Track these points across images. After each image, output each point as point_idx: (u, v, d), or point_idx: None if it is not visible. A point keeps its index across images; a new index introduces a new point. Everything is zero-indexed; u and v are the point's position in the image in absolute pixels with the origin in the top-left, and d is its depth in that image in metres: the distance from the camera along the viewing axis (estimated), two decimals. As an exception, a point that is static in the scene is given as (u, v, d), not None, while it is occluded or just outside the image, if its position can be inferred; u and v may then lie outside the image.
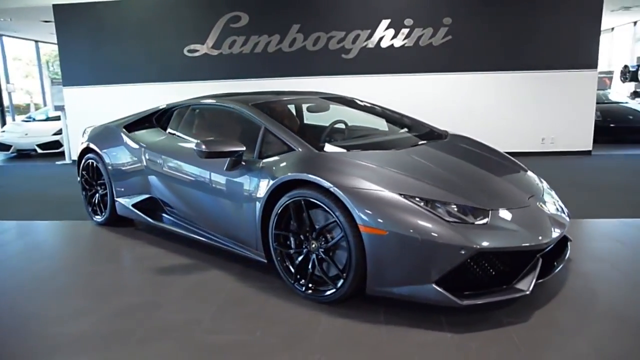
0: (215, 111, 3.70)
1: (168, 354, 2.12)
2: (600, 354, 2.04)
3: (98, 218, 4.17)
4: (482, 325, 2.28)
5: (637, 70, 11.18)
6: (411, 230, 2.21)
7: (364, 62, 7.56)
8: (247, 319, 2.42)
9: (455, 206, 2.34)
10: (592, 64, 7.29)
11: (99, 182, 4.15)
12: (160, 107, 3.99)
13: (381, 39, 7.47)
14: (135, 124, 4.02)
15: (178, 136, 3.63)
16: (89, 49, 7.96)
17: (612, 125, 8.63)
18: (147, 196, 3.69)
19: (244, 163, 2.88)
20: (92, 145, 4.08)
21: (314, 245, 2.55)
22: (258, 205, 2.72)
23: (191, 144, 3.45)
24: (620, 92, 11.07)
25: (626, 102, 9.60)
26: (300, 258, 2.60)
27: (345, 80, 7.50)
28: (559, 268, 2.55)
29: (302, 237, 2.60)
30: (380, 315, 2.40)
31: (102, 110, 7.80)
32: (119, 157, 3.87)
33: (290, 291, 2.68)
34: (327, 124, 3.49)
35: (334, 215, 2.38)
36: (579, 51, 7.27)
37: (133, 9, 7.80)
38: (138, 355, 2.11)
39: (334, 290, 2.46)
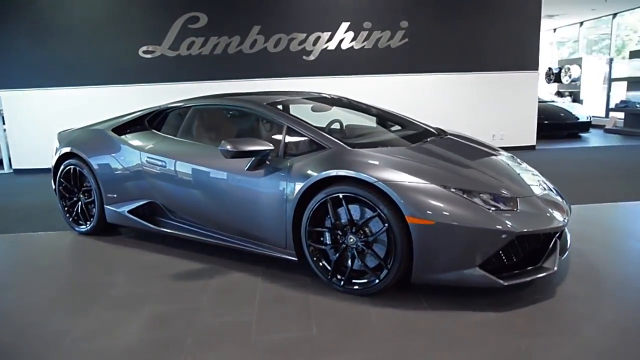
0: (223, 111, 3.62)
1: (233, 356, 2.07)
2: (628, 321, 2.29)
3: (82, 227, 3.90)
4: (518, 303, 2.46)
5: (560, 72, 12.32)
6: (458, 219, 2.34)
7: (325, 63, 7.68)
8: (295, 317, 2.41)
9: (489, 195, 2.50)
10: (534, 66, 7.96)
11: (82, 189, 3.89)
12: (153, 109, 3.82)
13: (341, 41, 7.64)
14: (125, 126, 3.81)
15: (183, 138, 3.49)
16: (28, 48, 7.35)
17: (546, 122, 9.44)
18: (146, 201, 3.52)
19: (267, 162, 2.86)
20: (75, 151, 3.81)
21: (351, 240, 2.60)
22: (289, 203, 2.71)
23: (200, 145, 3.37)
24: (547, 92, 12.15)
25: (555, 101, 10.57)
26: (337, 253, 2.64)
27: (307, 82, 7.56)
28: (569, 247, 2.81)
29: (338, 232, 2.64)
30: (422, 302, 2.50)
31: (47, 115, 7.28)
32: (111, 162, 3.65)
33: (325, 286, 2.71)
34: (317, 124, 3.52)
35: (377, 209, 2.45)
36: (523, 54, 7.91)
37: (81, 5, 7.32)
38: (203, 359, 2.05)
39: (377, 281, 2.52)
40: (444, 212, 2.36)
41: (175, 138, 3.51)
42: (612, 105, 11.01)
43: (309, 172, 2.66)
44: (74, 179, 3.92)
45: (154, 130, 3.73)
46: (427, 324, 2.30)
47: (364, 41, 7.67)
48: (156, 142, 3.52)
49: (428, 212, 2.36)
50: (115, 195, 3.66)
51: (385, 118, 3.86)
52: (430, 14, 7.69)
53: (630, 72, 10.40)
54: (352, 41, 7.66)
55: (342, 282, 2.63)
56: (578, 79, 11.92)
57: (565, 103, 10.67)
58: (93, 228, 3.85)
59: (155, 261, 3.27)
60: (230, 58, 7.52)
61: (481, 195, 2.49)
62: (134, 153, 3.53)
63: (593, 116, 10.35)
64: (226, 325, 2.34)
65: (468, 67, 7.90)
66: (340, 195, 2.56)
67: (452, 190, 2.45)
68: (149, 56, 7.40)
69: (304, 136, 2.89)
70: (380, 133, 3.60)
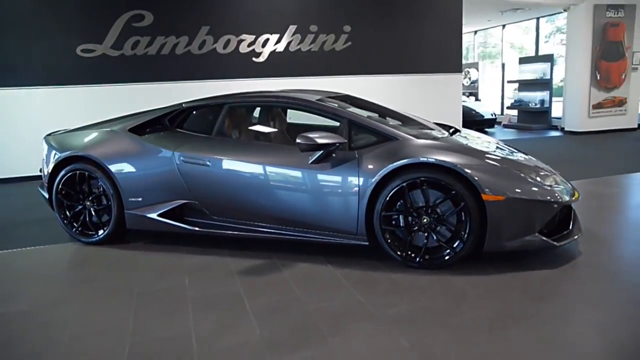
0: (264, 108, 3.62)
1: (366, 331, 2.23)
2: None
3: (92, 237, 3.62)
4: (551, 265, 2.94)
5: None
6: (522, 194, 2.76)
7: (274, 65, 7.79)
8: (398, 294, 2.62)
9: (535, 172, 2.97)
10: (458, 68, 8.94)
11: (91, 196, 3.61)
12: (173, 108, 3.69)
13: (289, 43, 7.83)
14: (142, 126, 3.63)
15: (221, 136, 3.45)
16: None
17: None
18: (180, 203, 3.41)
19: (333, 155, 3.01)
20: (86, 154, 3.53)
21: (425, 220, 2.89)
22: (362, 191, 2.91)
23: (250, 143, 3.37)
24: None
25: (465, 101, 11.88)
26: (411, 234, 2.91)
27: (257, 83, 7.62)
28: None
29: (413, 214, 2.90)
30: (489, 268, 2.88)
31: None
32: (135, 164, 3.46)
33: (398, 265, 2.95)
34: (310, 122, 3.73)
35: (454, 190, 2.77)
36: (448, 58, 8.83)
37: (4, -1, 6.52)
38: (353, 339, 2.18)
39: (452, 254, 2.85)
40: (511, 188, 2.76)
41: (215, 137, 3.45)
42: (507, 104, 12.68)
43: (384, 161, 2.88)
44: (80, 185, 3.62)
45: (179, 130, 3.62)
46: (519, 282, 2.68)
47: (310, 44, 7.95)
48: (191, 142, 3.43)
49: (498, 189, 2.74)
50: (140, 199, 3.47)
51: (389, 115, 4.19)
52: (370, 19, 8.23)
53: (520, 75, 12.10)
54: (299, 44, 7.89)
55: (418, 259, 2.90)
56: (476, 81, 13.51)
57: (471, 102, 12.05)
58: (107, 236, 3.60)
59: (202, 263, 3.21)
60: (178, 59, 7.26)
61: (531, 172, 2.94)
62: (165, 153, 3.40)
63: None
64: (338, 308, 2.48)
65: (403, 69, 8.60)
66: (419, 181, 2.83)
67: (513, 169, 2.87)
68: (88, 55, 6.84)
69: (369, 129, 3.10)
70: (415, 125, 3.78)
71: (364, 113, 3.47)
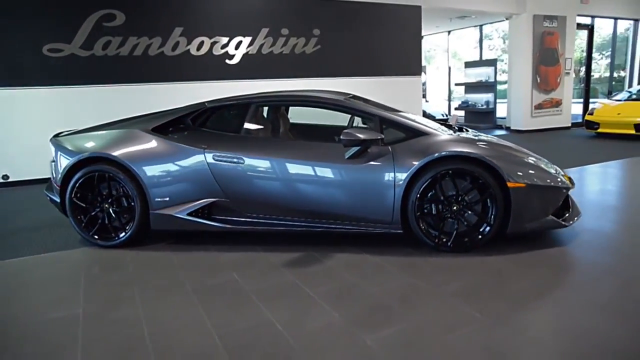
0: (294, 107, 3.74)
1: (433, 308, 2.47)
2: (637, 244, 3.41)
3: (112, 240, 3.56)
4: (559, 243, 3.38)
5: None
6: (540, 181, 3.13)
7: (247, 67, 7.85)
8: (444, 274, 2.88)
9: (546, 161, 3.37)
10: (418, 72, 9.46)
11: (110, 198, 3.55)
12: (195, 107, 3.72)
13: (262, 45, 7.92)
14: (165, 126, 3.63)
15: (250, 134, 3.53)
16: None
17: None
18: (210, 201, 3.45)
19: (369, 150, 3.22)
20: (109, 155, 3.46)
21: (455, 207, 3.18)
22: (398, 183, 3.14)
23: (282, 140, 3.49)
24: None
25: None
26: (442, 220, 3.19)
27: (230, 85, 7.64)
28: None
29: (444, 202, 3.19)
30: (513, 247, 3.24)
31: None
32: (163, 164, 3.45)
33: (430, 250, 3.22)
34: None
35: (482, 178, 3.09)
36: (409, 62, 9.33)
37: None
38: (429, 313, 2.40)
39: (480, 237, 3.16)
40: (530, 176, 3.13)
41: (245, 135, 3.53)
42: (455, 105, 13.53)
43: (418, 155, 3.13)
44: (98, 187, 3.55)
45: (203, 129, 3.66)
46: (551, 259, 3.04)
47: (282, 46, 8.09)
48: (221, 140, 3.48)
49: (520, 177, 3.10)
50: (167, 199, 3.48)
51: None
52: (337, 24, 8.52)
53: (466, 78, 12.96)
54: (271, 46, 8.00)
55: (449, 243, 3.19)
56: (424, 83, 14.26)
57: (422, 103, 12.71)
58: (128, 238, 3.56)
59: (241, 258, 3.29)
60: (151, 60, 7.11)
61: (542, 161, 3.33)
62: (196, 152, 3.43)
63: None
64: (397, 289, 2.70)
65: (368, 72, 8.97)
66: (450, 171, 3.12)
67: (528, 159, 3.24)
68: (56, 55, 6.52)
69: (400, 125, 3.35)
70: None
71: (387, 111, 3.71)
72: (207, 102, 3.76)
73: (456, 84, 13.56)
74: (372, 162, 3.21)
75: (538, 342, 2.10)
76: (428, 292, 2.64)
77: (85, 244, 3.70)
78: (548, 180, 3.18)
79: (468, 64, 13.05)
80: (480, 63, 12.72)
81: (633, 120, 8.60)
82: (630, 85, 12.39)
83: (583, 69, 12.12)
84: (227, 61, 7.70)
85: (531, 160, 3.29)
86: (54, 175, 3.72)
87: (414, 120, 3.45)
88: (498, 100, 12.10)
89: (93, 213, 3.60)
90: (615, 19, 12.04)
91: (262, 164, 3.37)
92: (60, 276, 3.13)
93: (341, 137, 3.10)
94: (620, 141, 8.70)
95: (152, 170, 3.46)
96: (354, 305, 2.52)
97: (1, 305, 2.70)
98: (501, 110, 12.08)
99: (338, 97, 3.60)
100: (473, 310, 2.41)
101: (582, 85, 11.98)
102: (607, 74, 13.20)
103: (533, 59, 10.49)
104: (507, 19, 10.87)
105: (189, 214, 3.46)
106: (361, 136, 3.07)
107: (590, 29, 11.59)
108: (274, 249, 3.43)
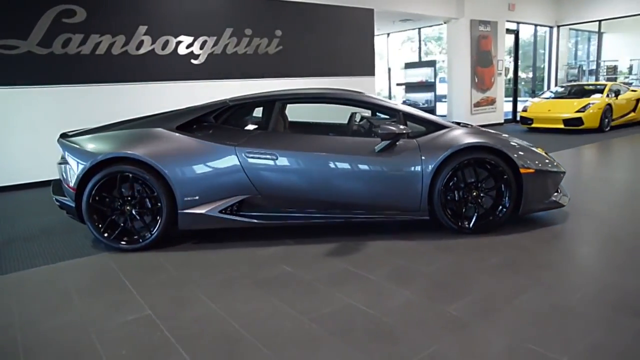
0: (318, 104, 3.85)
1: (503, 280, 2.77)
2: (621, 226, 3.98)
3: (137, 243, 3.47)
4: (554, 222, 3.86)
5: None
6: (545, 167, 3.57)
7: (212, 67, 7.76)
8: (481, 252, 3.19)
9: (543, 150, 3.82)
10: (371, 72, 9.89)
11: (133, 199, 3.46)
12: (217, 105, 3.71)
13: (226, 45, 7.87)
14: (189, 124, 3.60)
15: (276, 130, 3.61)
16: None
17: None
18: (241, 198, 3.49)
19: (397, 144, 3.46)
20: (134, 154, 3.37)
21: (474, 193, 3.52)
22: (425, 172, 3.41)
23: (312, 136, 3.61)
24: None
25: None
26: (463, 206, 3.52)
27: (196, 85, 7.53)
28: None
29: (464, 188, 3.51)
30: (521, 227, 3.64)
31: None
32: (192, 162, 3.43)
33: (452, 234, 3.53)
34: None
35: (499, 166, 3.45)
36: (363, 63, 9.72)
37: None
38: (493, 284, 2.68)
39: (497, 218, 3.53)
40: (538, 163, 3.55)
41: (273, 131, 3.60)
42: (397, 104, 14.20)
43: (443, 146, 3.43)
44: (119, 189, 3.44)
45: (227, 126, 3.68)
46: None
47: (246, 47, 8.09)
48: (251, 137, 3.52)
49: (530, 163, 3.51)
50: (197, 198, 3.46)
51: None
52: (298, 25, 8.68)
53: (406, 79, 13.70)
54: (236, 46, 7.97)
55: (471, 226, 3.52)
56: (367, 84, 14.80)
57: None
58: (154, 240, 3.49)
59: (279, 252, 3.38)
60: (115, 59, 6.80)
61: (540, 149, 3.78)
62: (227, 150, 3.45)
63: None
64: (450, 267, 2.98)
65: (326, 73, 9.22)
66: (472, 161, 3.45)
67: (534, 148, 3.66)
68: (9, 52, 6.03)
69: (422, 120, 3.62)
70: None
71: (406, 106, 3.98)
72: (229, 99, 3.78)
73: (397, 84, 14.26)
74: (401, 155, 3.45)
75: (589, 297, 2.46)
76: (474, 268, 2.93)
77: (101, 249, 3.56)
78: (550, 166, 3.62)
79: (408, 65, 13.80)
80: (420, 64, 13.51)
81: (562, 115, 9.68)
82: (549, 85, 13.84)
83: (511, 70, 13.33)
84: (193, 61, 7.56)
85: (533, 148, 3.73)
86: (66, 178, 3.54)
87: (430, 115, 3.74)
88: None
89: (114, 217, 3.48)
90: (535, 25, 13.40)
91: (295, 159, 3.47)
92: (100, 282, 3.01)
93: (379, 131, 3.31)
94: (551, 135, 9.75)
95: (181, 170, 3.42)
96: (416, 284, 2.74)
97: (61, 313, 2.57)
98: (440, 109, 12.91)
99: (359, 94, 3.80)
100: (522, 279, 2.74)
101: (511, 85, 13.16)
102: (529, 75, 14.62)
103: (471, 61, 11.38)
104: (445, 22, 11.68)
105: (220, 212, 3.47)
106: (396, 130, 3.29)
107: (516, 34, 12.79)
108: (306, 242, 3.54)
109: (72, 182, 3.49)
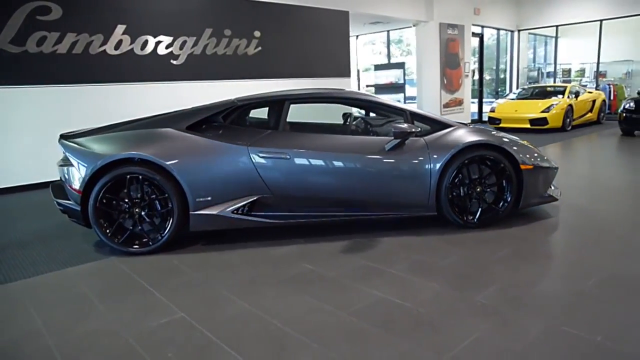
0: (325, 103, 3.89)
1: (522, 266, 2.93)
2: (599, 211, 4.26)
3: (147, 246, 3.41)
4: (547, 215, 4.10)
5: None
6: (541, 163, 3.78)
7: (191, 68, 7.64)
8: (491, 244, 3.35)
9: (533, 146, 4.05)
10: (347, 73, 10.02)
11: (143, 201, 3.40)
12: (225, 105, 3.69)
13: (206, 46, 7.77)
14: (198, 124, 3.56)
15: (287, 130, 3.63)
16: None
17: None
18: (254, 198, 3.49)
19: (406, 142, 3.57)
20: (144, 155, 3.31)
21: (478, 189, 3.68)
22: (434, 169, 3.54)
23: (324, 135, 3.66)
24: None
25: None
26: (469, 201, 3.67)
27: (175, 86, 7.41)
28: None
29: (469, 184, 3.66)
30: (518, 221, 3.84)
31: None
32: (204, 162, 3.40)
33: (457, 228, 3.68)
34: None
35: (502, 163, 3.62)
36: (340, 64, 9.84)
37: None
38: (514, 274, 2.82)
39: (500, 212, 3.71)
40: (535, 159, 3.75)
41: (283, 131, 3.62)
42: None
43: (450, 144, 3.57)
44: (128, 191, 3.37)
45: (236, 126, 3.67)
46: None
47: (225, 47, 8.02)
48: (262, 137, 3.53)
49: (528, 160, 3.71)
50: (209, 199, 3.43)
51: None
52: (276, 26, 8.69)
53: (376, 80, 13.96)
54: (215, 47, 7.89)
55: (476, 220, 3.68)
56: (337, 85, 14.97)
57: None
58: (164, 243, 3.44)
59: (294, 251, 3.41)
60: (92, 59, 6.57)
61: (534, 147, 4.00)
62: (239, 149, 3.44)
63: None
64: (466, 259, 3.11)
65: (304, 74, 9.28)
66: (477, 158, 3.60)
67: (528, 146, 3.87)
68: (-19, 52, 5.73)
69: (427, 119, 3.74)
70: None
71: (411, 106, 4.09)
72: (237, 99, 3.77)
73: (367, 86, 14.50)
74: (410, 153, 3.56)
75: (602, 281, 2.65)
76: (488, 260, 3.08)
77: (104, 253, 3.47)
78: (545, 162, 3.84)
79: (378, 67, 14.07)
80: (389, 66, 13.80)
81: (528, 116, 10.17)
82: (511, 87, 14.47)
83: (477, 72, 13.84)
84: (173, 61, 7.42)
85: (529, 145, 3.94)
86: (70, 180, 3.43)
87: (435, 115, 3.88)
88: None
89: (121, 220, 3.40)
90: (498, 29, 13.98)
91: (308, 158, 3.51)
92: (118, 286, 2.94)
93: (393, 130, 3.41)
94: (518, 134, 10.14)
95: (193, 170, 3.39)
96: (438, 276, 2.85)
97: (88, 318, 2.50)
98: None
99: (367, 95, 3.89)
100: (534, 268, 2.91)
101: (477, 86, 13.66)
102: (493, 77, 15.23)
103: (440, 63, 11.74)
104: (414, 25, 11.98)
105: (232, 212, 3.46)
106: (408, 129, 3.40)
107: (481, 37, 13.30)
108: (318, 240, 3.59)
109: (77, 184, 3.38)
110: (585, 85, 12.74)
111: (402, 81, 13.21)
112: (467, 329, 2.23)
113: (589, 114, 11.15)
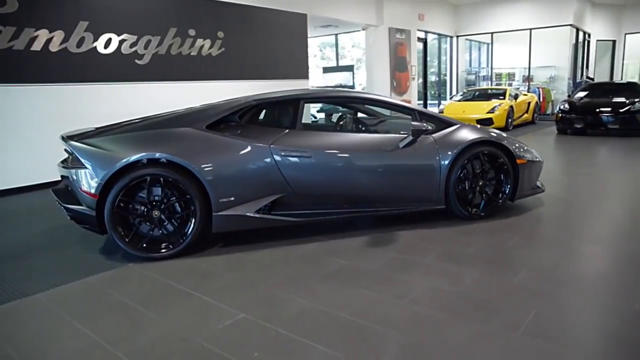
0: (340, 103, 3.94)
1: (537, 253, 3.20)
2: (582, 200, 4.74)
3: (169, 250, 3.31)
4: (538, 204, 4.50)
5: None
6: (532, 158, 4.14)
7: (156, 68, 7.37)
8: (501, 234, 3.62)
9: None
10: (306, 75, 10.13)
11: (162, 204, 3.29)
12: (243, 104, 3.66)
13: (171, 45, 7.53)
14: (217, 123, 3.50)
15: (304, 129, 3.68)
16: None
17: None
18: (276, 197, 3.50)
19: (417, 140, 3.76)
20: (166, 155, 3.20)
21: (481, 183, 3.97)
22: (443, 165, 3.76)
23: (342, 134, 3.74)
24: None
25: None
26: (471, 194, 3.94)
27: (141, 87, 7.13)
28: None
29: (473, 178, 3.93)
30: (511, 212, 4.18)
31: None
32: (228, 162, 3.36)
33: (463, 220, 3.94)
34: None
35: (501, 158, 3.93)
36: (298, 66, 9.93)
37: None
38: (535, 258, 3.08)
39: (499, 203, 4.02)
40: (527, 154, 4.11)
41: (302, 130, 3.66)
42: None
43: (456, 142, 3.81)
44: (148, 193, 3.25)
45: (253, 125, 3.66)
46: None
47: (190, 47, 7.81)
48: (281, 136, 3.54)
49: (523, 155, 4.05)
50: (232, 199, 3.40)
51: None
52: (238, 27, 8.60)
53: (324, 82, 14.20)
54: (180, 47, 7.66)
55: (482, 212, 3.95)
56: (286, 87, 15.03)
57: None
58: (186, 247, 3.36)
59: (320, 248, 3.46)
60: (53, 56, 6.13)
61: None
62: (261, 149, 3.44)
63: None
64: (484, 248, 3.36)
65: (264, 76, 9.26)
66: (481, 153, 3.88)
67: (519, 142, 4.22)
68: None
69: (434, 118, 3.95)
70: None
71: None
72: (252, 98, 3.76)
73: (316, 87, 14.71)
74: (423, 150, 3.76)
75: (618, 262, 2.99)
76: (507, 247, 3.34)
77: (117, 259, 3.32)
78: (535, 157, 4.21)
79: (326, 70, 14.32)
80: (338, 69, 14.10)
81: (475, 116, 10.88)
82: (451, 89, 15.36)
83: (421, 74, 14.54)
84: (137, 61, 7.11)
85: (520, 142, 4.29)
86: (80, 184, 3.23)
87: (440, 114, 4.12)
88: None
89: (140, 224, 3.27)
90: (439, 35, 14.79)
91: (328, 156, 3.59)
92: (154, 292, 2.82)
93: (412, 128, 3.58)
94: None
95: (216, 170, 3.33)
96: (471, 263, 3.06)
97: (143, 325, 2.40)
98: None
99: (377, 95, 4.03)
100: (552, 252, 3.23)
101: (421, 89, 14.34)
102: (435, 79, 16.07)
103: (390, 66, 12.21)
104: (363, 29, 12.37)
105: (256, 212, 3.45)
106: (423, 127, 3.60)
107: (425, 42, 14.00)
108: (337, 237, 3.66)
109: (92, 188, 3.20)
110: (518, 88, 13.84)
111: (351, 83, 13.55)
112: (523, 307, 2.44)
113: (526, 115, 12.15)
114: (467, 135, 3.89)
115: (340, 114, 4.48)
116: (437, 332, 2.24)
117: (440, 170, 3.78)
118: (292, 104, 3.79)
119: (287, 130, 3.65)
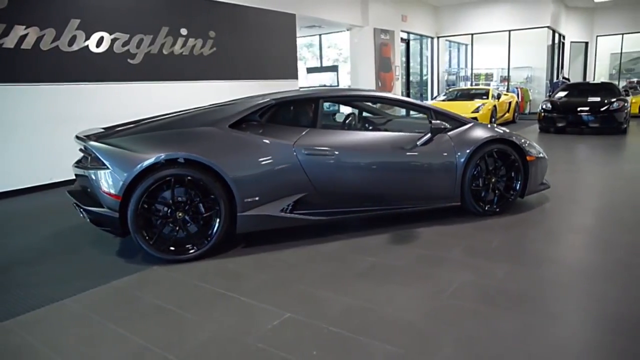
0: (358, 102, 3.94)
1: (550, 247, 3.30)
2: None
3: (193, 251, 3.26)
4: (545, 201, 4.64)
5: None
6: (539, 154, 4.27)
7: (149, 68, 7.22)
8: (513, 230, 3.73)
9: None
10: (295, 75, 10.12)
11: (187, 205, 3.24)
12: (263, 103, 3.63)
13: (163, 45, 7.39)
14: (239, 122, 3.47)
15: (325, 128, 3.68)
16: None
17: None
18: (300, 196, 3.49)
19: (434, 138, 3.82)
20: (192, 155, 3.15)
21: (494, 180, 4.06)
22: (459, 162, 3.83)
23: (361, 133, 3.75)
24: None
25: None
26: (486, 190, 4.03)
27: (134, 87, 6.98)
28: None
29: (486, 175, 4.02)
30: (521, 208, 4.29)
31: None
32: (253, 162, 3.33)
33: (475, 216, 4.02)
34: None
35: (513, 155, 4.03)
36: (287, 67, 9.90)
37: None
38: (552, 250, 3.18)
39: (511, 199, 4.12)
40: (535, 151, 4.23)
41: (325, 129, 3.68)
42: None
43: (471, 140, 3.89)
44: (172, 194, 3.19)
45: (273, 124, 3.64)
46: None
47: (182, 47, 7.69)
48: (304, 134, 3.53)
49: (530, 152, 4.17)
50: (257, 198, 3.37)
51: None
52: (229, 27, 8.51)
53: (308, 82, 14.20)
54: (172, 46, 7.53)
55: (495, 208, 4.05)
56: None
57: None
58: (210, 248, 3.31)
59: (345, 247, 3.47)
60: (44, 55, 5.93)
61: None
62: (285, 148, 3.42)
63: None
64: (505, 243, 3.46)
65: (255, 76, 9.20)
66: (493, 151, 3.97)
67: (528, 140, 4.34)
68: None
69: (449, 117, 4.02)
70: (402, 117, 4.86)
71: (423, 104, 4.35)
72: (273, 98, 3.73)
73: (300, 88, 14.68)
74: (440, 148, 3.82)
75: (635, 252, 3.12)
76: (527, 241, 3.45)
77: (138, 262, 3.26)
78: (541, 154, 4.34)
79: (310, 70, 14.33)
80: (322, 69, 14.13)
81: (460, 115, 11.08)
82: (433, 89, 15.61)
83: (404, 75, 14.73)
84: (129, 60, 6.95)
85: (528, 139, 4.42)
86: (101, 185, 3.15)
87: (454, 113, 4.19)
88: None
89: (162, 225, 3.21)
90: (421, 36, 15.01)
91: (351, 155, 3.61)
92: (187, 295, 2.77)
93: (432, 126, 3.63)
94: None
95: (241, 170, 3.30)
96: (497, 258, 3.13)
97: (187, 329, 2.35)
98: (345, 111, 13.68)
99: (394, 95, 4.07)
100: (571, 245, 3.35)
101: (404, 89, 14.53)
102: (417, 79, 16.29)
103: (375, 66, 12.32)
104: (348, 30, 12.44)
105: (280, 212, 3.43)
106: (442, 125, 3.66)
107: (407, 43, 14.18)
108: (358, 235, 3.68)
109: (115, 189, 3.12)
110: (498, 88, 14.19)
111: (335, 84, 13.59)
112: (557, 297, 2.52)
113: (507, 114, 12.47)
114: (481, 133, 3.98)
115: (353, 113, 4.52)
116: (486, 324, 2.29)
117: (457, 168, 3.85)
118: (311, 103, 3.79)
119: (307, 129, 3.65)
